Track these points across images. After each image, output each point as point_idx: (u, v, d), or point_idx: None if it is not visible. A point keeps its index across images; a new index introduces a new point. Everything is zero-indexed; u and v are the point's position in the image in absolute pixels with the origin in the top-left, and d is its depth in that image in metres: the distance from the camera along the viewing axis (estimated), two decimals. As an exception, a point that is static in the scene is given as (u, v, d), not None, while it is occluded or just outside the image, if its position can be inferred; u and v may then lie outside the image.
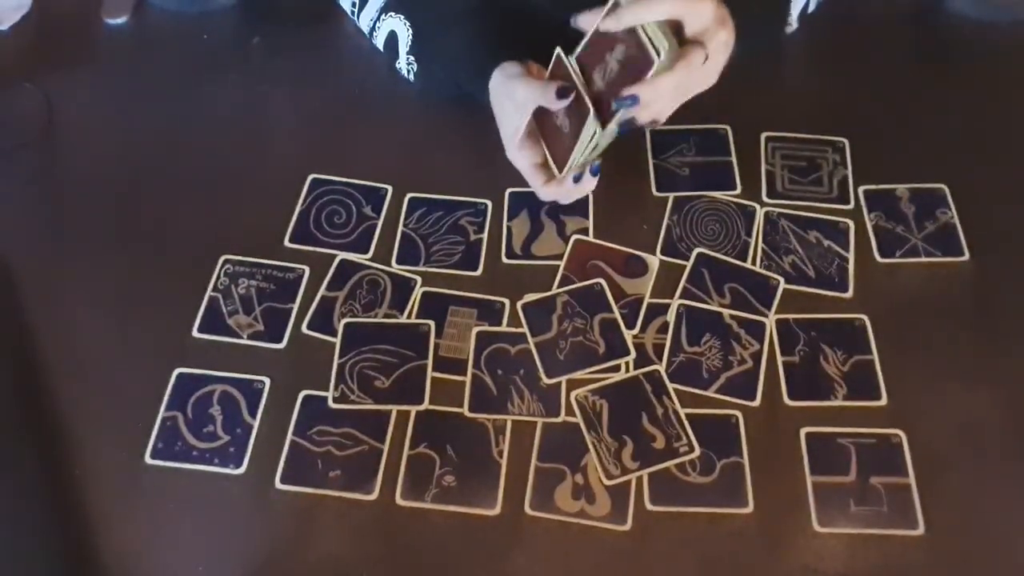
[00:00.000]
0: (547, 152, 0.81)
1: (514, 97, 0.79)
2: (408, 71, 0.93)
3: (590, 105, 0.74)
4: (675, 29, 0.73)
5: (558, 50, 0.77)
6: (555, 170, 0.81)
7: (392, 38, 0.93)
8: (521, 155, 0.81)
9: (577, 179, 0.80)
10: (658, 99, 0.73)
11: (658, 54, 0.71)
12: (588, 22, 0.74)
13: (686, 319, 0.81)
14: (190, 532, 0.72)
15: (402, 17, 0.92)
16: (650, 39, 0.71)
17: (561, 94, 0.75)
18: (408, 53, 0.92)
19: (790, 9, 0.92)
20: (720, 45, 0.74)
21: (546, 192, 0.83)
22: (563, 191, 0.83)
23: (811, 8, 0.95)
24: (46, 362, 0.80)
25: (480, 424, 0.76)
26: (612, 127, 0.75)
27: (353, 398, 0.77)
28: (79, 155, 0.93)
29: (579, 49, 0.76)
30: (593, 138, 0.76)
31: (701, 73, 0.74)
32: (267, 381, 0.78)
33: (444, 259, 0.85)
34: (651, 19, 0.71)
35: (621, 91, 0.72)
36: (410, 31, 0.91)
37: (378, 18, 0.94)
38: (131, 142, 0.94)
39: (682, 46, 0.73)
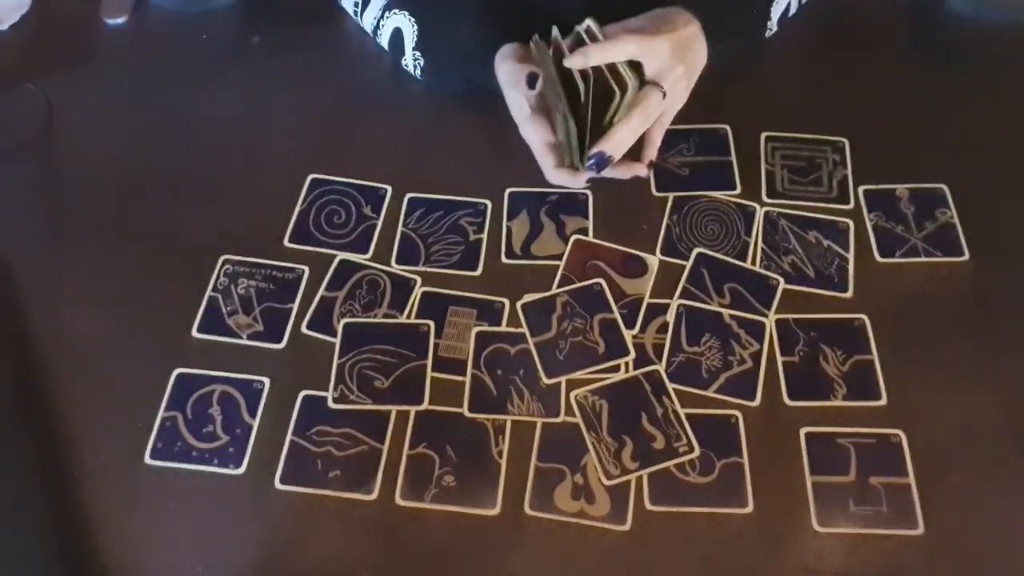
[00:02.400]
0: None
1: (501, 79, 0.81)
2: (415, 67, 0.93)
3: (561, 100, 0.75)
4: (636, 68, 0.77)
5: (535, 38, 0.79)
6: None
7: (397, 35, 0.93)
8: (532, 131, 0.81)
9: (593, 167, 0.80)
10: (621, 145, 0.78)
11: (624, 89, 0.75)
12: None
13: (686, 319, 0.81)
14: (190, 532, 0.72)
15: (407, 13, 0.92)
16: (618, 76, 0.76)
17: (529, 82, 0.76)
18: (414, 49, 0.92)
19: (771, 12, 0.92)
20: (679, 78, 0.79)
21: (555, 176, 0.82)
22: (570, 177, 0.82)
23: (792, 11, 0.95)
24: (46, 362, 0.80)
25: (480, 424, 0.76)
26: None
27: (353, 398, 0.77)
28: (79, 155, 0.93)
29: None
30: (568, 134, 0.76)
31: (666, 106, 0.79)
32: (267, 381, 0.78)
33: (444, 259, 0.85)
34: (614, 59, 0.75)
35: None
36: (415, 27, 0.91)
37: (382, 16, 0.94)
38: (131, 142, 0.94)
39: (641, 86, 0.77)
